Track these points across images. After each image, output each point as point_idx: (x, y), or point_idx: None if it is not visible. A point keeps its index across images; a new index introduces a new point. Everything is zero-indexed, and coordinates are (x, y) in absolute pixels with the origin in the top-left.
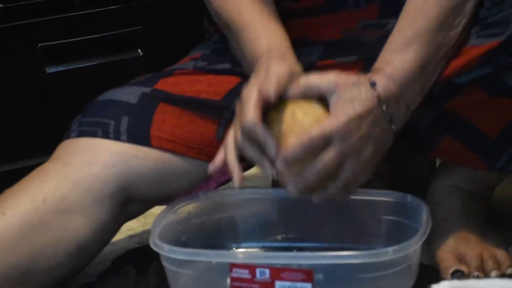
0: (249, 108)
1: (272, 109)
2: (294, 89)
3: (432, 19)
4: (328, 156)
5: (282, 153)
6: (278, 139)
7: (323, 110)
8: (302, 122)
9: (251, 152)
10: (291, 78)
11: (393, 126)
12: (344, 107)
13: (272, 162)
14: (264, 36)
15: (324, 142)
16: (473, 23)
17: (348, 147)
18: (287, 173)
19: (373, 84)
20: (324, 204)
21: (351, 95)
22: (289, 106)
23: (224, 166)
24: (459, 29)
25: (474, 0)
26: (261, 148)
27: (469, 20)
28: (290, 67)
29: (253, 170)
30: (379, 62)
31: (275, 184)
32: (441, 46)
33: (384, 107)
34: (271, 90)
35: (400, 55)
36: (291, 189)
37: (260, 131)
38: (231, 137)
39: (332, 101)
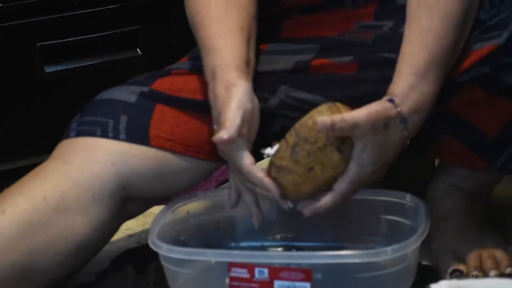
0: (237, 157)
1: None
2: (325, 130)
3: (444, 40)
4: (345, 188)
5: (313, 209)
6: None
7: (338, 157)
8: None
9: (247, 200)
10: (242, 104)
11: (408, 141)
12: (371, 155)
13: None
14: (212, 52)
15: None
16: (472, 27)
17: (366, 180)
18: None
19: (404, 123)
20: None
21: (381, 140)
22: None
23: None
24: (463, 42)
25: (472, 19)
26: (254, 194)
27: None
28: (238, 97)
29: None
30: (405, 88)
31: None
32: (452, 62)
33: (406, 133)
34: (225, 136)
35: (425, 80)
36: (306, 213)
37: (256, 178)
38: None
39: (357, 146)
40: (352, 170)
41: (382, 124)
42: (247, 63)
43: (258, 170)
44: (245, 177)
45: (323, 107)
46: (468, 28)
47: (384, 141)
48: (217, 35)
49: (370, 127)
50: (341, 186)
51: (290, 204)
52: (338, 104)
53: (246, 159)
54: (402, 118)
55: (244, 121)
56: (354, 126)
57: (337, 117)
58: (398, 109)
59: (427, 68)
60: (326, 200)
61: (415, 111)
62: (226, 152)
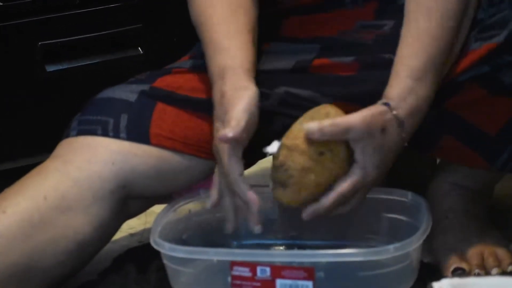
0: (226, 162)
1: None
2: (318, 134)
3: (441, 41)
4: (346, 188)
5: (314, 210)
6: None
7: (346, 152)
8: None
9: (226, 204)
10: (250, 107)
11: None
12: (372, 159)
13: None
14: (222, 53)
15: (352, 194)
16: (471, 26)
17: (368, 183)
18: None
19: (402, 125)
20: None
21: (379, 143)
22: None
23: None
24: (460, 44)
25: (470, 19)
26: (237, 200)
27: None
28: (246, 99)
29: (253, 169)
30: (403, 90)
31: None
32: (449, 64)
33: (403, 135)
34: (230, 134)
35: (422, 82)
36: (306, 215)
37: (242, 187)
38: (224, 183)
39: (357, 151)
40: (355, 172)
41: (379, 129)
42: (255, 66)
43: (244, 180)
44: (229, 184)
45: (328, 108)
46: (465, 28)
47: (383, 145)
48: (226, 36)
49: (366, 130)
50: (341, 185)
51: (259, 229)
52: (335, 109)
53: (237, 167)
54: (399, 122)
55: (248, 125)
56: (347, 130)
57: (326, 122)
58: (394, 112)
59: (424, 71)
60: (326, 200)
61: (411, 114)
62: (220, 153)
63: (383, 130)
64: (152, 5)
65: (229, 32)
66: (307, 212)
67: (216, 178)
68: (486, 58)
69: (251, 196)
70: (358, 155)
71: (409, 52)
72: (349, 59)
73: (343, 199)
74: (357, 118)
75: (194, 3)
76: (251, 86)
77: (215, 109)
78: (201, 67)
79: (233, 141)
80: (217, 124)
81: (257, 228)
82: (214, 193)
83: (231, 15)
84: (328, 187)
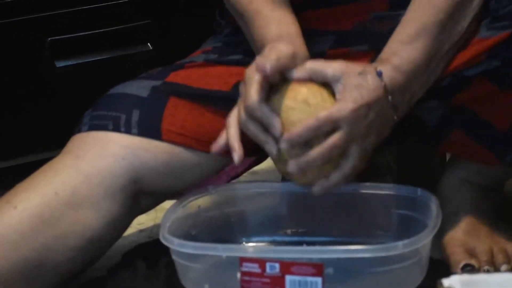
0: (252, 87)
1: (276, 91)
2: (298, 71)
3: (440, 13)
4: (334, 139)
5: (288, 133)
6: (283, 120)
7: (328, 94)
8: (307, 104)
9: (254, 130)
10: (295, 59)
11: (395, 117)
12: (352, 94)
13: (275, 141)
14: (274, 24)
15: (331, 126)
16: (483, 16)
17: (355, 133)
18: (289, 153)
19: (379, 74)
20: (323, 195)
21: (358, 83)
22: (293, 87)
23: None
24: (465, 23)
25: (478, 5)
26: (264, 127)
27: (477, 14)
28: (296, 49)
29: (263, 165)
30: (386, 52)
31: (285, 178)
32: (448, 39)
33: (389, 97)
34: (268, 65)
35: (407, 46)
36: (292, 167)
37: (264, 110)
38: (234, 114)
39: (338, 88)
40: (334, 107)
41: (357, 71)
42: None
43: (266, 105)
44: (251, 110)
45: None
46: (471, 11)
47: (361, 85)
48: (273, 9)
49: (343, 68)
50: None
51: (285, 144)
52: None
53: (262, 94)
54: (378, 72)
55: (283, 69)
56: (325, 68)
57: (308, 64)
58: (374, 65)
59: (415, 35)
60: (313, 151)
61: (393, 70)
62: (249, 80)
63: (361, 72)
64: (162, 1)
65: (274, 4)
66: (293, 165)
67: (230, 117)
68: (495, 51)
69: (276, 118)
70: (337, 93)
71: (406, 18)
72: (364, 47)
73: (331, 153)
74: (335, 61)
75: None
76: (304, 48)
77: (256, 41)
78: (214, 61)
79: (265, 76)
80: (257, 57)
81: (284, 143)
82: (222, 134)
83: None
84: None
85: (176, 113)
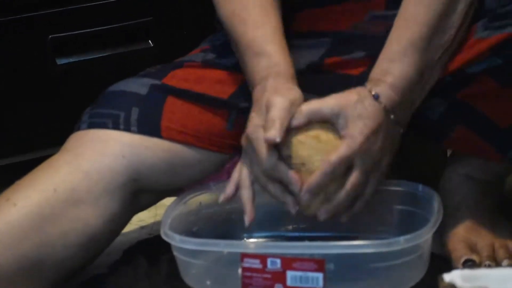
0: (264, 148)
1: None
2: (297, 119)
3: (424, 27)
4: (353, 179)
5: (306, 185)
6: (298, 172)
7: (333, 134)
8: (318, 140)
9: (274, 191)
10: (293, 107)
11: (401, 130)
12: (357, 127)
13: (295, 203)
14: (265, 58)
15: (346, 165)
16: (480, 15)
17: (370, 163)
18: (313, 202)
19: (376, 97)
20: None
21: (358, 113)
22: (298, 137)
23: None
24: (453, 30)
25: (468, 6)
26: (282, 184)
27: (467, 17)
28: (290, 96)
29: None
30: (377, 73)
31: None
32: (437, 49)
33: (392, 116)
34: (278, 138)
35: (397, 64)
36: (322, 216)
37: (283, 170)
38: (245, 174)
39: (341, 123)
40: (342, 143)
41: (354, 99)
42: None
43: (283, 163)
44: (268, 174)
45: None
46: (457, 18)
47: (361, 114)
48: (265, 40)
49: (339, 102)
50: (331, 156)
51: (307, 196)
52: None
53: (275, 153)
54: (373, 95)
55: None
56: (320, 108)
57: (304, 106)
58: (368, 87)
59: (403, 53)
60: (339, 196)
61: (388, 88)
62: (255, 142)
63: (358, 100)
64: None
65: (267, 36)
66: (323, 213)
67: (236, 171)
68: (497, 49)
69: (293, 175)
70: (340, 129)
71: (392, 36)
72: (360, 54)
73: (356, 190)
74: (329, 97)
75: (224, 3)
76: (295, 88)
77: (254, 103)
78: (213, 61)
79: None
80: (253, 114)
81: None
82: (231, 186)
83: (265, 16)
84: None
85: (176, 111)
